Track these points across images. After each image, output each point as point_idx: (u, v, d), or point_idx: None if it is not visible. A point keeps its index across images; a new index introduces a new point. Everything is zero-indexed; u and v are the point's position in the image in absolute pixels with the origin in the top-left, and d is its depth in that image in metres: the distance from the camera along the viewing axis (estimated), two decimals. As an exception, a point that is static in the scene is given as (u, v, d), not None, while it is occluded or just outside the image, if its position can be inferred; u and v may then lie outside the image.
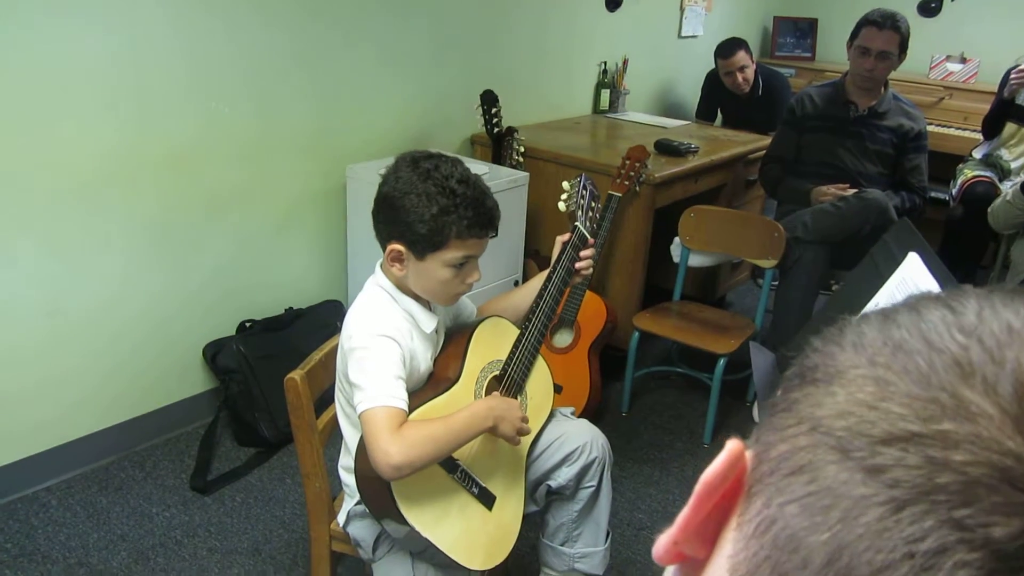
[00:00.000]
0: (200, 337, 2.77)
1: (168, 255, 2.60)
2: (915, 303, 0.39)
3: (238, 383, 2.69)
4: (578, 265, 1.79)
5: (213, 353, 2.73)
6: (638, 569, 2.29)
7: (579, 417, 2.80)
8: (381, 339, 1.49)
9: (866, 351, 0.37)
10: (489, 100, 3.16)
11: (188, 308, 2.70)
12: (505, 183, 2.98)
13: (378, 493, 1.46)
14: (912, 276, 1.39)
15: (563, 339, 2.94)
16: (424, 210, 1.48)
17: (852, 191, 3.11)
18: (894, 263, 1.50)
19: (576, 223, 1.84)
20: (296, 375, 1.61)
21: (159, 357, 2.68)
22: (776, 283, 3.20)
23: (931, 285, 1.31)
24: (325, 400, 1.71)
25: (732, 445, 0.40)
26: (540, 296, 1.73)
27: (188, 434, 2.78)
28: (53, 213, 2.32)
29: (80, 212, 2.37)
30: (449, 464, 1.52)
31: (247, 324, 2.82)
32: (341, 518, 1.68)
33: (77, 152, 2.32)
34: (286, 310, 2.94)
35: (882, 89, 3.24)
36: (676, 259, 3.16)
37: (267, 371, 2.68)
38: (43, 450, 2.47)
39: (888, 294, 1.45)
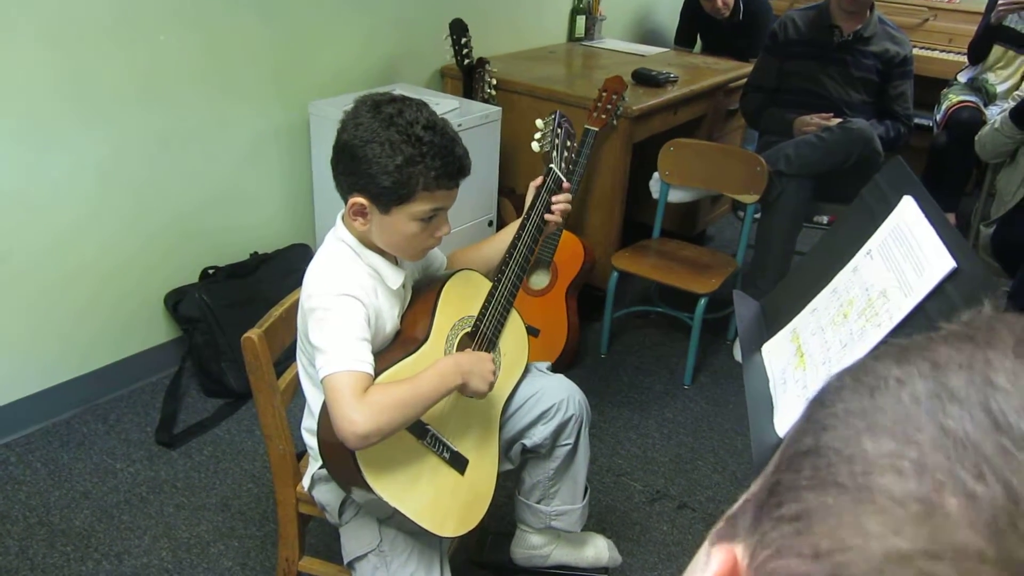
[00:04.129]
0: (161, 285, 2.65)
1: (121, 199, 2.47)
2: (982, 356, 0.28)
3: (202, 333, 2.59)
4: (554, 207, 1.68)
5: (175, 302, 2.62)
6: (618, 517, 2.25)
7: (557, 359, 2.77)
8: (343, 299, 1.39)
9: (913, 445, 0.25)
10: (458, 29, 3.00)
11: (146, 254, 2.58)
12: (477, 118, 2.85)
13: (342, 461, 1.38)
14: (907, 223, 1.30)
15: (540, 281, 2.85)
16: (388, 160, 1.36)
17: (836, 121, 3.01)
18: (887, 206, 1.40)
19: (551, 165, 1.74)
20: (253, 334, 1.51)
21: (119, 306, 2.56)
22: (758, 216, 3.12)
23: (927, 233, 1.22)
24: (289, 354, 1.62)
25: (720, 559, 0.30)
26: (513, 246, 1.63)
27: (153, 385, 2.68)
28: (-7, 159, 2.18)
29: (21, 152, 2.22)
30: (418, 429, 1.43)
31: (210, 271, 2.71)
32: (306, 481, 1.61)
33: (15, 87, 2.16)
34: (251, 255, 2.82)
35: (867, 12, 3.11)
36: (655, 195, 3.06)
37: (232, 320, 2.58)
38: (1, 404, 2.37)
39: (881, 241, 1.36)
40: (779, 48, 3.23)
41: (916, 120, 3.35)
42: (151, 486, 2.27)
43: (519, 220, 1.67)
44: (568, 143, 1.82)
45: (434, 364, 1.41)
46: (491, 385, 1.47)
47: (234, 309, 2.61)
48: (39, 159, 2.26)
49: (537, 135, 1.82)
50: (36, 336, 2.40)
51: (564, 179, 1.73)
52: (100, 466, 2.33)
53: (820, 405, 0.30)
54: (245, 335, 1.51)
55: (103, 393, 2.59)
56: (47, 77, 2.21)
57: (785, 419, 1.23)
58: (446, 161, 1.39)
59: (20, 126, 2.20)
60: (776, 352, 1.42)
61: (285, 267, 2.79)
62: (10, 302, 2.32)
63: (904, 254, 1.23)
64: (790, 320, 1.43)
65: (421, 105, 1.42)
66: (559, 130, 1.81)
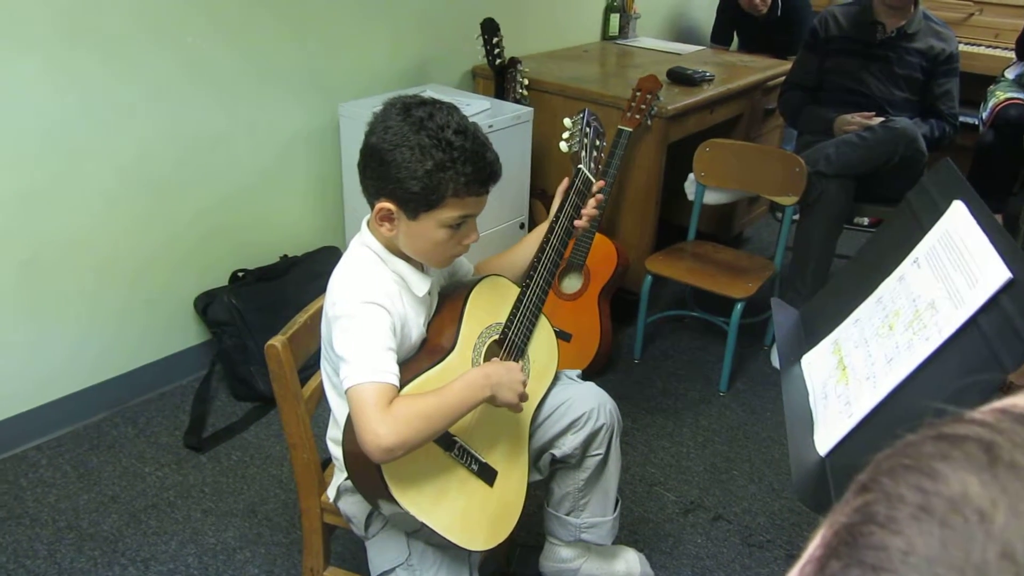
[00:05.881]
0: (191, 288, 2.64)
1: (150, 201, 2.46)
2: None
3: (231, 336, 2.58)
4: (582, 212, 1.63)
5: (204, 305, 2.61)
6: (650, 529, 2.19)
7: (590, 364, 2.72)
8: (368, 307, 1.35)
9: None
10: (490, 29, 2.96)
11: (175, 258, 2.57)
12: (509, 119, 2.80)
13: (368, 474, 1.34)
14: (957, 229, 1.23)
15: (572, 285, 2.80)
16: (417, 165, 1.31)
17: (878, 120, 2.93)
18: (936, 212, 1.34)
19: (580, 165, 1.69)
20: (277, 341, 1.48)
21: (149, 309, 2.56)
22: (796, 217, 3.04)
23: (980, 241, 1.16)
24: (314, 361, 1.59)
25: None
26: (541, 250, 1.59)
27: (183, 388, 2.68)
28: (17, 159, 2.17)
29: (50, 156, 2.22)
30: (445, 440, 1.39)
31: (239, 274, 2.69)
32: (331, 492, 1.57)
33: (41, 99, 2.16)
34: (281, 258, 2.80)
35: (911, 8, 3.01)
36: (690, 197, 2.99)
37: (262, 323, 2.56)
38: (33, 407, 2.38)
39: (929, 249, 1.30)
40: (820, 45, 3.14)
41: (961, 118, 3.25)
42: (179, 491, 2.26)
43: (545, 224, 1.63)
44: (597, 142, 1.77)
45: (462, 376, 1.37)
46: (521, 397, 1.42)
47: (263, 312, 2.59)
48: (68, 162, 2.25)
49: (565, 135, 1.77)
50: (67, 339, 2.40)
51: (593, 179, 1.68)
52: (129, 470, 2.32)
53: (870, 519, 0.24)
54: (269, 343, 1.48)
55: (133, 396, 2.59)
56: (77, 79, 2.21)
57: (826, 437, 1.17)
58: (477, 167, 1.35)
59: (48, 128, 2.20)
60: (816, 364, 1.36)
61: (315, 270, 2.76)
62: (41, 305, 2.32)
63: (954, 263, 1.17)
64: (831, 331, 1.37)
65: (452, 108, 1.38)
66: (587, 129, 1.75)
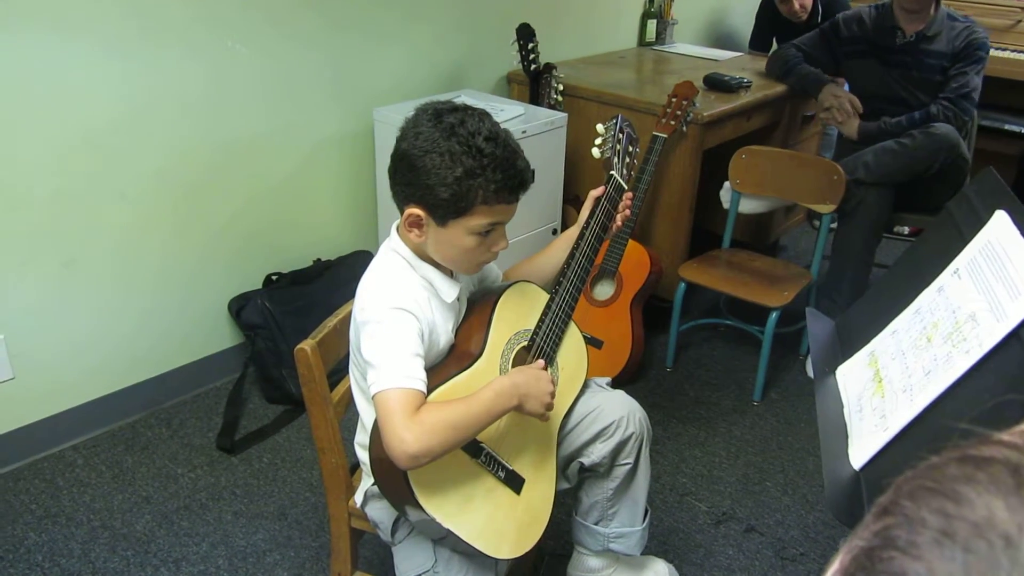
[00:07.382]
0: (226, 291, 2.67)
1: (186, 205, 2.49)
2: None
3: (264, 339, 2.60)
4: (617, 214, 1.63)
5: (238, 308, 2.63)
6: (680, 539, 2.16)
7: (621, 371, 2.69)
8: (397, 312, 1.35)
9: None
10: (525, 34, 2.95)
11: (210, 261, 2.60)
12: (542, 124, 2.79)
13: (394, 480, 1.34)
14: (1000, 240, 1.20)
15: (604, 291, 2.78)
16: (447, 172, 1.31)
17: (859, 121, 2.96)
18: (977, 222, 1.30)
19: (612, 172, 1.67)
20: (306, 345, 1.49)
21: (184, 311, 2.58)
22: (834, 226, 2.99)
23: (1022, 251, 1.12)
24: (344, 365, 1.59)
25: None
26: (571, 257, 1.57)
27: (216, 390, 2.70)
28: (61, 163, 2.21)
29: (88, 158, 2.25)
30: (472, 447, 1.39)
31: (273, 277, 2.71)
32: (359, 497, 1.57)
33: (82, 101, 2.20)
34: (314, 262, 2.82)
35: (931, 10, 2.93)
36: (726, 205, 2.96)
37: (294, 326, 2.58)
38: (70, 407, 2.42)
39: (970, 259, 1.26)
40: (838, 42, 3.12)
41: (1006, 126, 3.16)
42: (211, 492, 2.27)
43: (574, 229, 1.62)
44: (630, 148, 1.75)
45: (490, 384, 1.36)
46: (549, 407, 1.41)
47: (296, 316, 2.61)
48: (105, 165, 2.29)
49: (598, 140, 1.75)
50: (104, 341, 2.44)
51: (625, 186, 1.67)
52: (162, 471, 2.34)
53: (890, 544, 0.23)
54: (298, 346, 1.48)
55: (168, 397, 2.62)
56: (115, 84, 2.24)
57: (861, 450, 1.14)
58: (507, 174, 1.34)
59: (87, 129, 2.23)
60: (852, 376, 1.33)
61: (348, 274, 2.77)
62: (79, 307, 2.35)
63: (996, 275, 1.13)
64: (868, 342, 1.34)
65: (483, 115, 1.37)
66: (620, 135, 1.74)
